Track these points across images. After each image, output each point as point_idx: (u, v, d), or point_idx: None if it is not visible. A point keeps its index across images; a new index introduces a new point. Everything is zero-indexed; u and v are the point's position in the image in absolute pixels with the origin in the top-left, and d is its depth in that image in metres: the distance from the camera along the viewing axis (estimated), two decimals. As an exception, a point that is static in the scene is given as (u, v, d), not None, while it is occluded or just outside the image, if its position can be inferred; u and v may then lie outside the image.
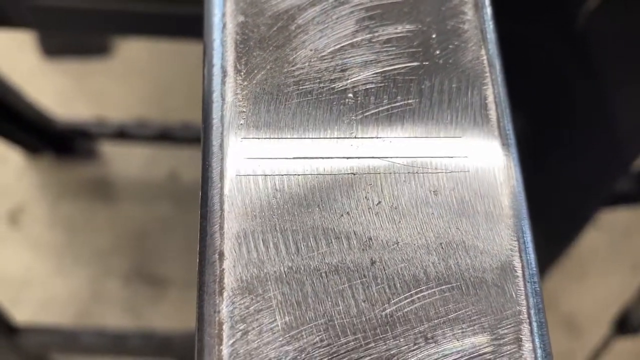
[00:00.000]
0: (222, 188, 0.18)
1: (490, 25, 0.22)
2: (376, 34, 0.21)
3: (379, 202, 0.19)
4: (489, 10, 0.22)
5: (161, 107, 1.73)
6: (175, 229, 1.68)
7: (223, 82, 0.20)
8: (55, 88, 1.71)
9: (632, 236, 1.78)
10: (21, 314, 1.35)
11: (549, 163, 0.75)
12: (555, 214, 0.86)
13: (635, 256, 1.73)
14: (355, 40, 0.21)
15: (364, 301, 0.18)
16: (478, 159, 0.20)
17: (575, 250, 1.75)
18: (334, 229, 0.19)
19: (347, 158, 0.19)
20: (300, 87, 0.20)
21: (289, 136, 0.19)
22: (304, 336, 0.17)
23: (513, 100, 0.68)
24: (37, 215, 1.65)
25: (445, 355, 0.17)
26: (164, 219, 1.71)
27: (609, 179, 0.79)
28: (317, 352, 0.17)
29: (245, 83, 0.20)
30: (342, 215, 0.19)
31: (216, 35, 0.20)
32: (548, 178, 0.79)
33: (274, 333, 0.17)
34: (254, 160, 0.19)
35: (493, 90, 0.21)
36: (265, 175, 0.19)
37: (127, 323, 1.54)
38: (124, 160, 1.72)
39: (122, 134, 1.48)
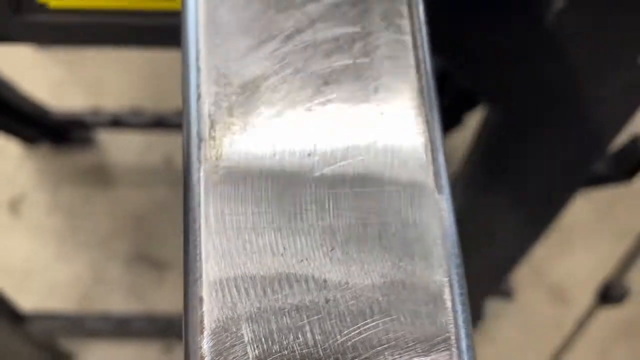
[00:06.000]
0: (201, 256, 0.22)
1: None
2: (331, 98, 0.25)
3: (333, 249, 0.23)
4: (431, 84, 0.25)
5: (155, 95, 1.76)
6: (173, 212, 1.71)
7: (199, 147, 0.24)
8: (49, 78, 1.73)
9: (618, 206, 1.82)
10: (26, 301, 1.39)
11: (528, 151, 0.79)
12: (536, 197, 0.89)
13: (621, 225, 1.77)
14: (312, 104, 0.24)
15: (320, 334, 0.22)
16: (417, 208, 0.24)
17: (561, 221, 1.79)
18: (295, 273, 0.22)
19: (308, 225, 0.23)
20: (265, 151, 0.24)
21: (254, 208, 0.23)
22: (271, 365, 0.21)
23: (493, 95, 0.71)
24: (37, 203, 1.68)
25: (386, 377, 0.21)
26: (162, 203, 1.74)
27: (586, 163, 0.83)
28: None
29: (215, 149, 0.23)
30: (302, 261, 0.23)
31: (193, 106, 0.24)
32: (527, 165, 0.82)
33: (247, 363, 0.21)
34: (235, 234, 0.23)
35: (428, 137, 0.24)
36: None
37: (130, 306, 1.58)
38: (120, 147, 1.75)
39: (117, 122, 1.51)
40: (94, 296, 1.59)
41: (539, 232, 0.97)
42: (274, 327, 0.22)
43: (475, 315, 1.28)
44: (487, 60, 0.67)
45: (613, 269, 1.20)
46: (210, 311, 0.22)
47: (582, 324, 1.29)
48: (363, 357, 0.22)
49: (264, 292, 0.22)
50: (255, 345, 0.21)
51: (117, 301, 1.58)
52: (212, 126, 0.24)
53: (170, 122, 1.54)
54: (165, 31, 0.61)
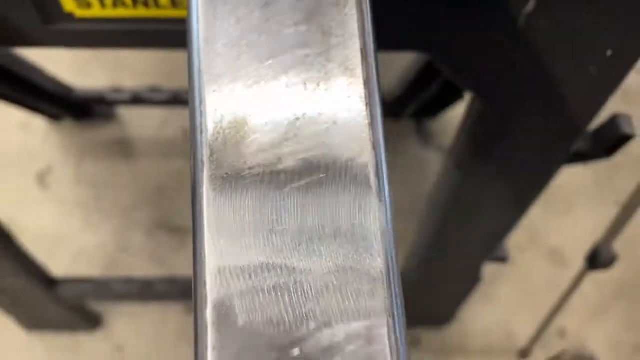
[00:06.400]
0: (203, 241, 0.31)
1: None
2: (299, 128, 0.33)
3: (300, 244, 0.32)
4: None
5: (171, 74, 1.83)
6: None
7: (202, 170, 0.32)
8: (73, 59, 1.82)
9: (618, 172, 1.86)
10: (55, 267, 1.49)
11: (511, 134, 0.86)
12: (521, 174, 0.97)
13: (621, 191, 1.83)
14: (287, 135, 0.33)
15: (290, 306, 0.30)
16: (363, 214, 0.32)
17: (561, 186, 1.85)
18: (272, 263, 0.31)
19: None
20: (251, 172, 0.32)
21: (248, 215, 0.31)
22: (254, 327, 0.30)
23: (474, 86, 0.78)
24: (63, 175, 1.78)
25: (337, 335, 0.30)
26: (180, 173, 1.81)
27: (565, 143, 0.90)
28: (266, 332, 0.30)
29: (214, 171, 0.32)
30: (277, 254, 0.31)
31: (197, 138, 0.33)
32: (511, 145, 0.89)
33: (240, 326, 0.30)
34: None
35: (374, 159, 0.33)
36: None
37: (152, 271, 1.67)
38: (140, 122, 1.83)
39: (137, 99, 1.60)
40: (118, 262, 1.69)
41: (525, 205, 1.05)
42: (257, 301, 0.31)
43: (474, 278, 1.36)
44: (468, 56, 0.74)
45: (602, 235, 1.26)
46: (211, 290, 0.30)
47: (572, 288, 1.36)
48: (320, 321, 0.30)
49: (250, 276, 0.31)
50: (243, 314, 0.30)
51: (140, 266, 1.68)
52: (211, 154, 0.32)
53: (186, 98, 1.62)
54: (177, 35, 0.69)
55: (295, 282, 0.31)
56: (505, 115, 0.83)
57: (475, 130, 0.88)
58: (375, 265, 0.31)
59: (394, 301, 0.31)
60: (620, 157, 1.93)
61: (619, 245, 1.68)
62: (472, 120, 0.87)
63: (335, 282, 0.31)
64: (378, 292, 0.31)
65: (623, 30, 0.67)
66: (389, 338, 0.30)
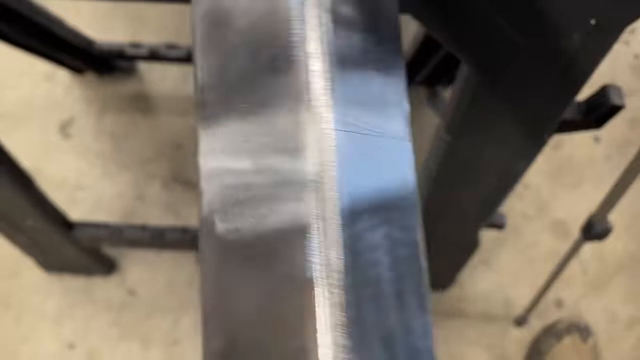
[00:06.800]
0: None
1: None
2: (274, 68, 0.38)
3: (259, 161, 0.37)
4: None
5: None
6: (207, 139, 1.83)
7: (196, 107, 0.38)
8: (94, 12, 1.86)
9: (628, 147, 1.86)
10: (75, 213, 1.56)
11: (498, 100, 0.88)
12: (513, 140, 0.99)
13: (631, 166, 1.83)
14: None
15: (248, 213, 0.36)
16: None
17: (572, 160, 1.86)
18: (247, 182, 0.37)
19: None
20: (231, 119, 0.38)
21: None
22: (228, 232, 0.36)
23: (459, 52, 0.80)
24: (84, 126, 1.84)
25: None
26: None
27: (553, 111, 0.93)
28: (232, 237, 0.36)
29: (203, 111, 0.38)
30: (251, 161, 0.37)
31: (195, 89, 0.38)
32: (498, 112, 0.92)
33: (218, 234, 0.36)
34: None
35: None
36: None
37: (167, 221, 1.74)
38: (161, 77, 1.88)
39: (154, 55, 1.64)
40: (135, 211, 1.76)
41: (516, 173, 1.08)
42: (229, 211, 0.36)
43: (472, 244, 1.40)
44: (449, 18, 0.75)
45: (598, 207, 1.28)
46: (204, 201, 0.37)
47: (567, 258, 1.39)
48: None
49: (231, 197, 0.37)
50: (220, 224, 0.36)
51: (156, 216, 1.75)
52: (203, 102, 0.38)
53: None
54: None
55: (253, 197, 0.36)
56: (490, 80, 0.85)
57: (462, 95, 0.90)
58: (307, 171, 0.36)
59: (324, 205, 0.36)
60: (633, 132, 1.92)
61: (623, 219, 1.69)
62: (460, 84, 0.89)
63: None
64: (308, 197, 0.36)
65: (607, -1, 0.69)
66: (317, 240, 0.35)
